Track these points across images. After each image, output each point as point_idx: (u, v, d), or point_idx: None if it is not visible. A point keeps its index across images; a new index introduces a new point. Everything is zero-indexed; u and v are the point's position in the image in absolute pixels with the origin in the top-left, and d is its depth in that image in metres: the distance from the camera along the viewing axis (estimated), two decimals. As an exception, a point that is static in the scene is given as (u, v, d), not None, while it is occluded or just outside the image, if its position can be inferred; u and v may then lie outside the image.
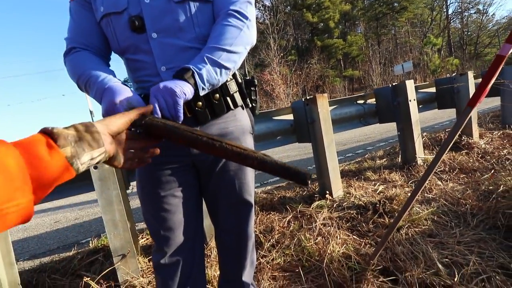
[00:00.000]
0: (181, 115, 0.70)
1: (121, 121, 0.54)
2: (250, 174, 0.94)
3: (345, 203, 1.97)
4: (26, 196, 0.35)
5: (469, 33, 30.64)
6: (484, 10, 28.89)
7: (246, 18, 0.79)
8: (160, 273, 0.93)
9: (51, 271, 1.70)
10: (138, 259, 1.59)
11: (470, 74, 2.94)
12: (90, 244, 1.99)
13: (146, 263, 1.64)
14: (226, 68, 0.76)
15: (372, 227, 1.68)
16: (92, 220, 2.89)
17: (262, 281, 1.35)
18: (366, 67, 23.42)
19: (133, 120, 0.57)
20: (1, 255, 1.38)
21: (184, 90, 0.69)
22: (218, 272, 1.42)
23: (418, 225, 1.62)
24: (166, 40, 0.78)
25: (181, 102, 0.69)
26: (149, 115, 0.62)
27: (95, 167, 1.41)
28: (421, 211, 1.75)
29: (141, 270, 1.54)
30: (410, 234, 1.54)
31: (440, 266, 1.24)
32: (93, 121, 0.66)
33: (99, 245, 1.90)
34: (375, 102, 2.80)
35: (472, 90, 2.92)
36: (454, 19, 30.49)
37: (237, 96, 0.87)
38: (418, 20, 28.81)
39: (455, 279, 1.16)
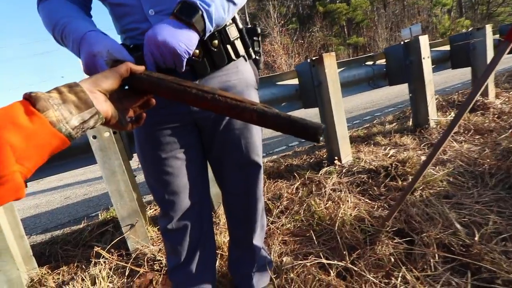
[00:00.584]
0: (183, 69, 0.61)
1: (112, 77, 0.45)
2: (256, 132, 0.86)
3: (355, 168, 1.91)
4: (8, 167, 0.31)
5: (482, -10, 28.62)
6: (500, -36, 26.74)
7: None
8: (169, 238, 0.90)
9: (62, 243, 1.71)
10: (147, 228, 1.58)
11: (488, 28, 2.72)
12: (100, 217, 2.00)
13: (155, 232, 1.64)
14: (234, 4, 0.65)
15: (384, 191, 1.63)
16: (101, 195, 2.91)
17: (273, 245, 1.32)
18: (371, 33, 22.37)
19: (124, 75, 0.48)
20: (10, 229, 1.37)
21: (189, 45, 0.58)
22: (228, 238, 1.40)
23: (433, 186, 1.56)
24: None
25: (184, 61, 0.59)
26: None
27: (94, 137, 1.35)
28: (435, 173, 1.68)
29: (151, 239, 1.54)
30: (424, 196, 1.49)
31: (458, 226, 1.19)
32: None
33: (108, 217, 1.90)
34: (385, 63, 2.64)
35: (490, 46, 2.72)
36: (467, -24, 28.39)
37: (239, 44, 0.77)
38: (427, -21, 26.88)
39: (475, 239, 1.12)
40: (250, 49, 0.82)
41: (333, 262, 1.08)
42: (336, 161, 2.00)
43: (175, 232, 0.87)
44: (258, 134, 0.88)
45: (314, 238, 1.29)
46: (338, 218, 1.37)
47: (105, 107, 0.43)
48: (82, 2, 0.74)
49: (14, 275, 1.26)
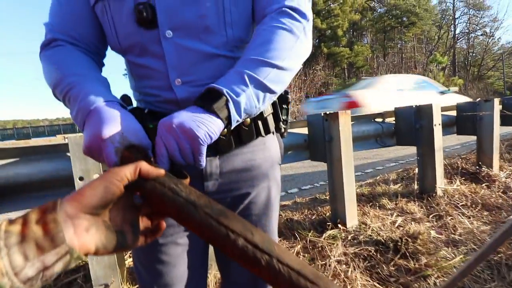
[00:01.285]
0: (203, 163, 0.48)
1: (104, 190, 0.32)
2: (275, 219, 0.74)
3: (361, 236, 1.76)
4: None
5: (474, 54, 30.86)
6: (491, 33, 29.16)
7: (306, 18, 0.57)
8: None
9: (20, 290, 1.46)
10: (123, 287, 1.36)
11: (496, 102, 2.76)
12: (70, 257, 1.76)
13: (132, 291, 1.41)
14: (272, 92, 0.54)
15: (393, 270, 1.48)
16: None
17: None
18: (370, 79, 23.30)
19: (128, 181, 0.35)
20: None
21: (210, 131, 0.47)
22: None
23: (447, 274, 1.42)
24: (185, 42, 0.55)
25: (204, 149, 0.47)
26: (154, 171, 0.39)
27: (81, 179, 1.18)
28: (448, 255, 1.55)
29: (125, 303, 1.31)
30: (439, 285, 1.34)
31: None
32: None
33: (80, 262, 1.66)
34: (394, 122, 2.61)
35: (496, 119, 2.74)
36: (461, 39, 30.71)
37: (271, 120, 0.66)
38: (425, 37, 28.92)
39: None
40: (280, 122, 0.71)
41: None
42: (340, 225, 1.86)
43: None
44: (276, 221, 0.75)
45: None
46: (346, 306, 1.20)
47: (87, 240, 0.30)
48: (96, 53, 0.63)
49: None
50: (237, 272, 0.74)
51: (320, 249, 1.67)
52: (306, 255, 1.62)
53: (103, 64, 0.66)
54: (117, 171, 0.35)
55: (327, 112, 1.94)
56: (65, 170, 1.31)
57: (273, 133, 0.71)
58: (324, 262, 1.53)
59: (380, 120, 2.64)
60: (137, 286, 1.44)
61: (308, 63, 22.62)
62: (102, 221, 0.33)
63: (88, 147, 0.46)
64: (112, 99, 0.51)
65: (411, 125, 2.43)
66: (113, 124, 0.45)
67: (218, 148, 0.59)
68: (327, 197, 2.49)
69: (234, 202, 0.66)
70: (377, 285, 1.37)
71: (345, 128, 1.87)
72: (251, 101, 0.51)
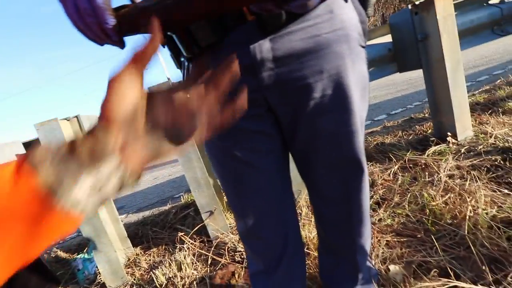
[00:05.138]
0: None
1: (128, 85, 0.25)
2: (359, 117, 0.56)
3: (480, 146, 1.43)
4: None
5: None
6: None
7: None
8: (247, 245, 0.74)
9: (152, 224, 1.83)
10: (225, 215, 1.52)
11: None
12: (182, 199, 2.08)
13: (233, 219, 1.57)
14: None
15: (534, 178, 1.16)
16: (183, 176, 3.09)
17: (372, 247, 1.07)
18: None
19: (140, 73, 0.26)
20: (107, 213, 1.49)
21: None
22: (313, 234, 1.21)
23: None
24: None
25: None
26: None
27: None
28: None
29: (230, 227, 1.47)
30: None
31: None
32: None
33: (189, 200, 1.95)
34: (521, -2, 1.88)
35: None
36: None
37: None
38: None
39: None
40: None
41: (470, 287, 0.77)
42: (449, 138, 1.54)
43: (254, 240, 0.70)
44: (361, 121, 0.57)
45: (435, 241, 0.97)
46: (467, 217, 1.01)
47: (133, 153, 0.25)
48: None
49: (113, 255, 1.37)
50: (323, 187, 0.63)
51: (423, 166, 1.45)
52: (406, 174, 1.43)
53: None
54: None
55: (416, 3, 1.53)
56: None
57: None
58: (431, 179, 1.32)
59: (496, 1, 1.95)
60: (236, 214, 1.59)
61: (382, -23, 18.62)
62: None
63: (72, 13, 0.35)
64: None
65: (552, -8, 1.70)
66: None
67: (265, 25, 0.46)
68: (427, 115, 2.11)
69: (300, 97, 0.52)
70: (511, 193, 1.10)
71: (446, 15, 1.44)
72: None
